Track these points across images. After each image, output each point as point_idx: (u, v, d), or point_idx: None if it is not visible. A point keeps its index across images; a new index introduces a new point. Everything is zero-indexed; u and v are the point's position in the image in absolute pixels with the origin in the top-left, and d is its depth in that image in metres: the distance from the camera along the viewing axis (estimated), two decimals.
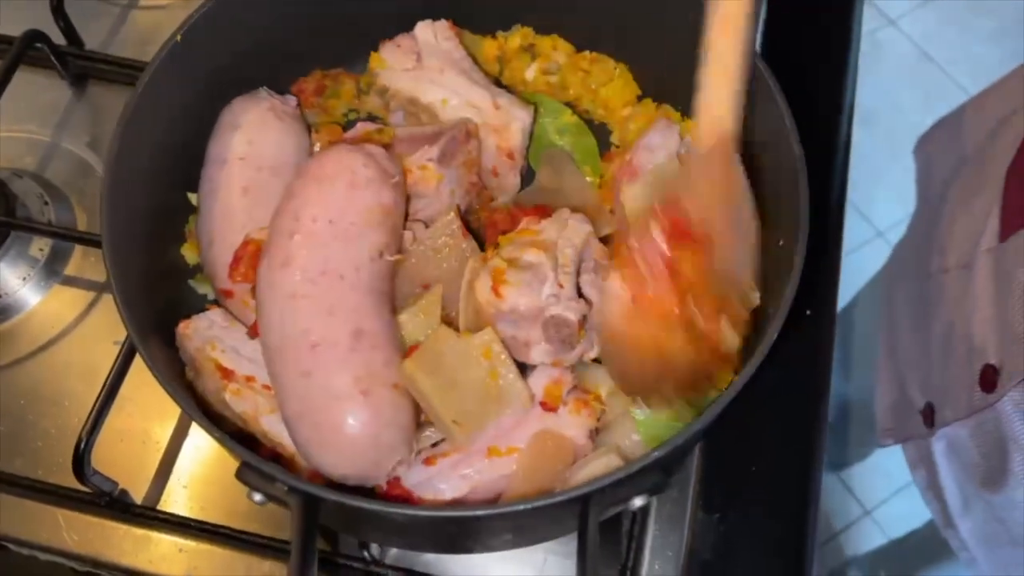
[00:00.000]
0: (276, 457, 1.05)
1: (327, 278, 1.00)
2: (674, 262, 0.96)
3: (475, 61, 1.30)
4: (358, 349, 0.99)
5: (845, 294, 2.23)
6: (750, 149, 1.15)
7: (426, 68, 1.26)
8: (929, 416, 1.41)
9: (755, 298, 1.04)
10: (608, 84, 1.32)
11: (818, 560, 1.17)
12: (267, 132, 1.19)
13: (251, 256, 1.07)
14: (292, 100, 1.27)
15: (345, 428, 0.96)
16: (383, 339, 1.01)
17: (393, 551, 1.16)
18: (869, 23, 3.63)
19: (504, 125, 1.24)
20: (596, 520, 0.85)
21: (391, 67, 1.27)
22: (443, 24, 1.29)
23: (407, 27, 1.30)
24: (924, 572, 2.25)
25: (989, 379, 1.21)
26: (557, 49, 1.34)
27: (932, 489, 1.52)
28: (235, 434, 1.05)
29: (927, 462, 1.49)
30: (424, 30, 1.28)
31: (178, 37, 1.12)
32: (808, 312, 1.30)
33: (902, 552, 2.48)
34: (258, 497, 0.91)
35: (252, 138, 1.17)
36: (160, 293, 1.13)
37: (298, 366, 0.98)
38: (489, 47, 1.34)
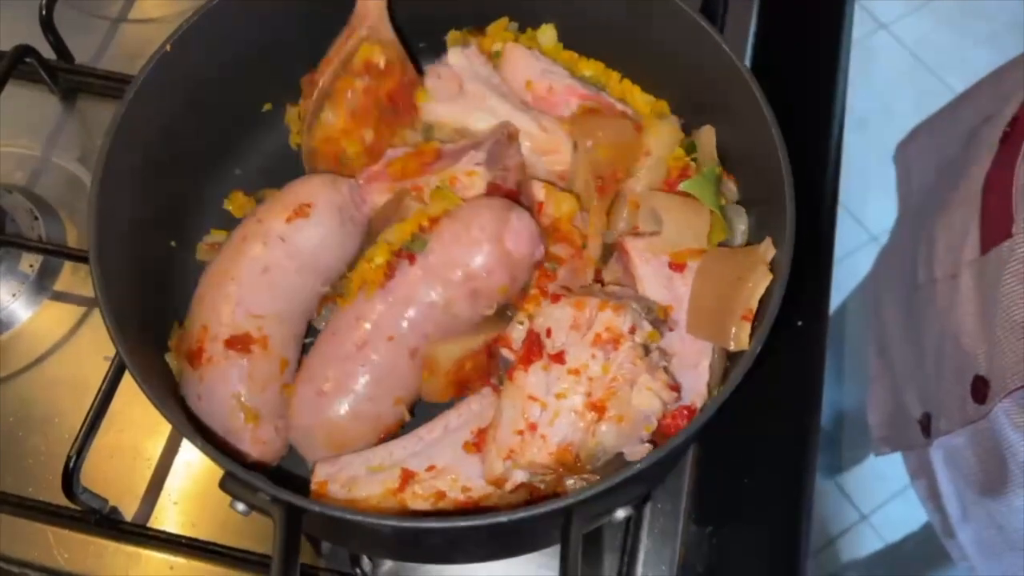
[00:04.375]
0: None
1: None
2: None
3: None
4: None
5: (838, 299, 2.23)
6: (741, 159, 1.16)
7: (469, 96, 1.23)
8: (927, 426, 1.41)
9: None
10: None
11: (810, 572, 1.18)
12: (320, 228, 1.14)
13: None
14: (367, 206, 1.20)
15: None
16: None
17: (385, 566, 1.16)
18: (862, 28, 3.64)
19: (554, 147, 1.22)
20: (579, 532, 0.84)
21: (435, 98, 1.24)
22: (473, 49, 1.27)
23: (398, 30, 1.28)
24: None
25: (980, 390, 1.21)
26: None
27: (932, 499, 1.52)
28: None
29: (927, 471, 1.49)
30: (457, 56, 1.25)
31: (168, 47, 1.11)
32: (800, 323, 1.30)
33: (898, 557, 2.47)
34: (241, 507, 0.91)
35: (304, 225, 1.13)
36: (150, 306, 1.13)
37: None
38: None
